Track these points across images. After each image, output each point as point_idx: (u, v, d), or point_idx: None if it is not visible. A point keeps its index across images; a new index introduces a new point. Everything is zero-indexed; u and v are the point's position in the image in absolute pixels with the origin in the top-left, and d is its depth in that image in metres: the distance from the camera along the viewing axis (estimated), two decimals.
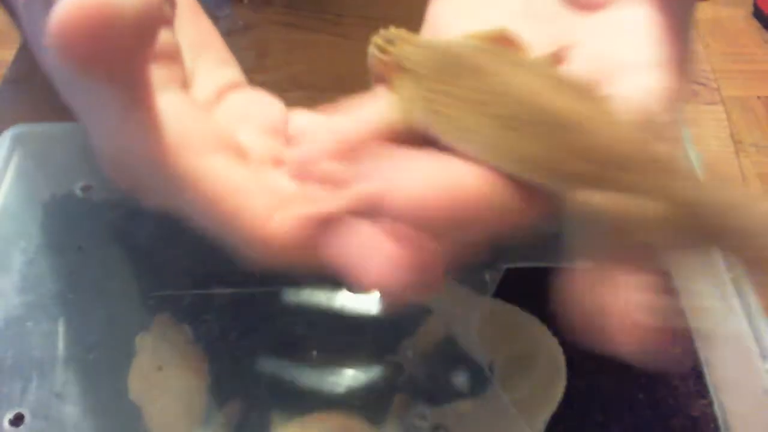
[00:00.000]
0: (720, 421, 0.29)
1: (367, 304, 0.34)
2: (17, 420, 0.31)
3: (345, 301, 0.35)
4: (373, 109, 0.27)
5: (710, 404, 0.30)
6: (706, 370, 0.31)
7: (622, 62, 0.27)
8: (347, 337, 0.34)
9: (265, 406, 0.32)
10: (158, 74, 0.26)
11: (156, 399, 0.32)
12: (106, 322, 0.34)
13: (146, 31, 0.22)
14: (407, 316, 0.34)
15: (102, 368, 0.33)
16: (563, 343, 0.33)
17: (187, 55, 0.30)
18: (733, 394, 0.29)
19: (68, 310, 0.34)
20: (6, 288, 0.35)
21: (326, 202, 0.25)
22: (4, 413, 0.31)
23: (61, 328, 0.34)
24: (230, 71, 0.32)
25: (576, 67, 0.28)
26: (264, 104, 0.32)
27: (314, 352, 0.33)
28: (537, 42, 0.30)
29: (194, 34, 0.31)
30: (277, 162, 0.30)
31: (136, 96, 0.23)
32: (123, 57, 0.22)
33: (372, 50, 0.28)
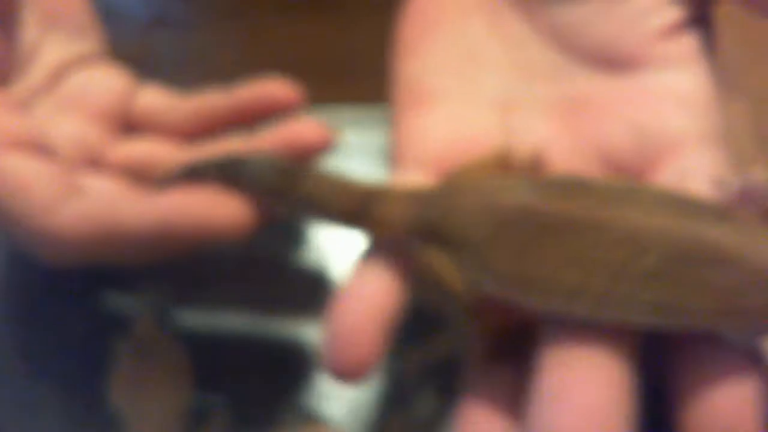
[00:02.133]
0: None
1: None
2: None
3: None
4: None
5: None
6: None
7: (672, 138, 0.25)
8: None
9: (252, 417, 0.30)
10: None
11: (138, 406, 0.31)
12: (86, 327, 0.33)
13: None
14: (413, 331, 0.33)
15: (81, 375, 0.31)
16: None
17: (34, 28, 0.31)
18: None
19: (46, 315, 0.33)
20: None
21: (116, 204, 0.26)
22: None
23: (38, 335, 0.33)
24: (82, 43, 0.32)
25: (616, 139, 0.26)
26: (105, 83, 0.32)
27: (307, 362, 0.32)
28: (541, 105, 0.28)
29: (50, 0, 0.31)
30: (93, 155, 0.31)
31: None
32: None
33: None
